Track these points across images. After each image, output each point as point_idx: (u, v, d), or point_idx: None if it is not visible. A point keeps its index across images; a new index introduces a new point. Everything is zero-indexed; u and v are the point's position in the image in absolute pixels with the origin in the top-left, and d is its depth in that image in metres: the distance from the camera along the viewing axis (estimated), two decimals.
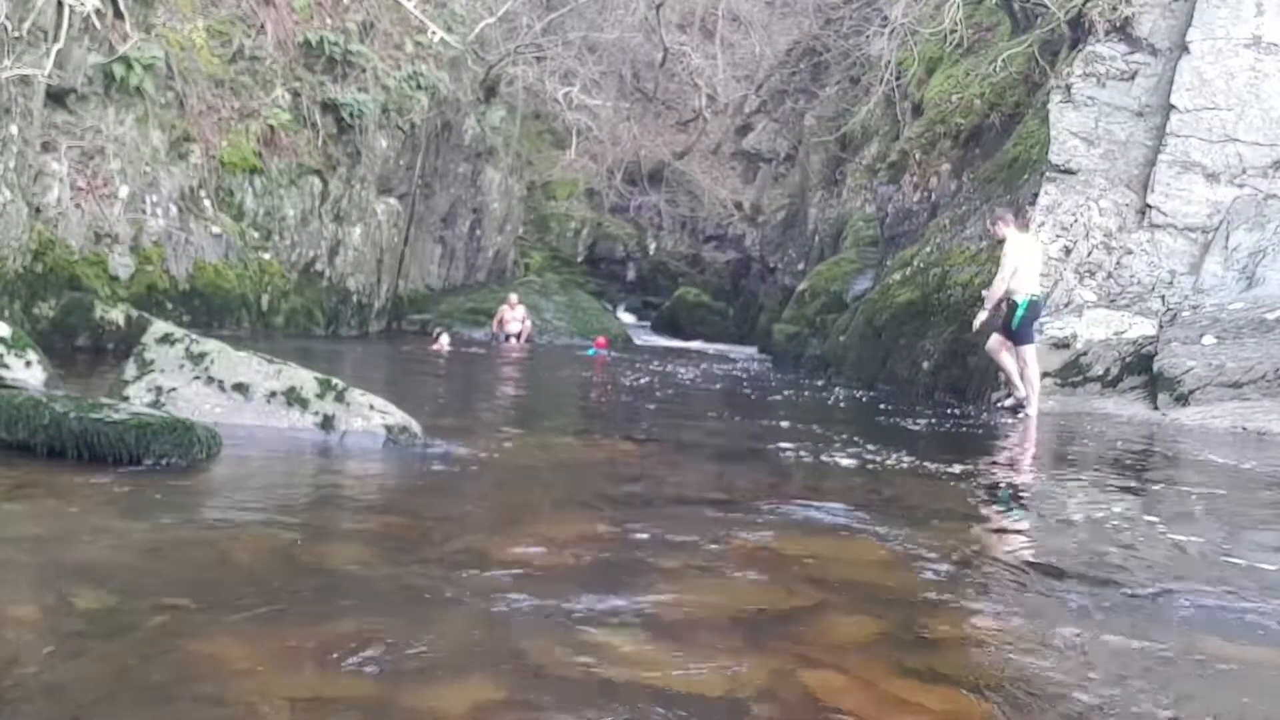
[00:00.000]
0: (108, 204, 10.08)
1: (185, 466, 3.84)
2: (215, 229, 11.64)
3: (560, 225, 24.99)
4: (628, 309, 23.39)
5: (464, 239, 18.98)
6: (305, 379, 4.71)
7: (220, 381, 4.62)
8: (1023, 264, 8.14)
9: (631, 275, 25.70)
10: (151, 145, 10.73)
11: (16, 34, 8.58)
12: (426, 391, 7.99)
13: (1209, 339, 8.39)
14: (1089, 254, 9.47)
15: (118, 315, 8.83)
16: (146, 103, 10.63)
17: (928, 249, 11.55)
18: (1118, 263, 9.42)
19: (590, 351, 14.67)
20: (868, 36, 16.45)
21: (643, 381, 10.34)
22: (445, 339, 13.07)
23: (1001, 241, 8.41)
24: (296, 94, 13.06)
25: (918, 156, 13.98)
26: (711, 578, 2.85)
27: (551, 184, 25.01)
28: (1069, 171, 9.75)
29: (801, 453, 5.43)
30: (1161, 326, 8.77)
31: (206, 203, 11.65)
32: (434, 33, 14.63)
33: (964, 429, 7.43)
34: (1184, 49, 9.65)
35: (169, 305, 10.53)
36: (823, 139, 18.49)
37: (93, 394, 4.55)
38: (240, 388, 4.62)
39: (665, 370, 12.01)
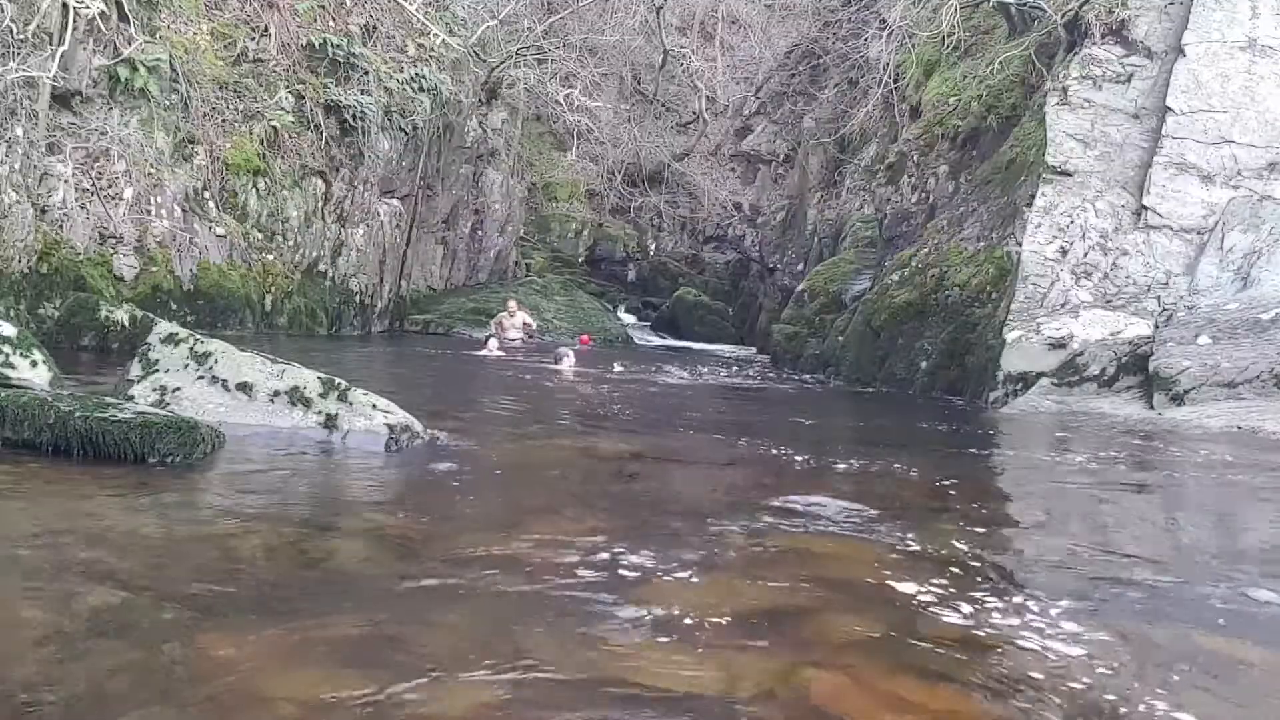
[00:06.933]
0: (112, 205, 10.15)
1: (189, 465, 3.88)
2: (219, 230, 11.71)
3: (561, 226, 25.06)
4: (628, 309, 23.44)
5: (466, 240, 19.04)
6: (308, 379, 4.75)
7: (224, 381, 4.67)
8: None
9: (632, 276, 25.76)
10: (156, 147, 10.80)
11: (22, 36, 8.64)
12: (428, 391, 8.04)
13: (1204, 339, 8.43)
14: (1085, 255, 9.53)
15: (122, 315, 8.89)
16: (151, 105, 10.69)
17: (925, 250, 11.62)
18: (1114, 264, 9.47)
19: (576, 346, 14.97)
20: (866, 39, 16.48)
21: (641, 382, 10.38)
22: (494, 343, 13.37)
23: None
24: (300, 96, 13.13)
25: (915, 158, 14.04)
26: (711, 577, 2.87)
27: (552, 185, 25.08)
28: (1065, 173, 9.80)
29: (800, 452, 5.47)
30: (1157, 327, 8.82)
31: (210, 204, 11.72)
32: (436, 35, 14.69)
33: (962, 429, 7.48)
34: (1180, 51, 9.70)
35: (173, 306, 10.60)
36: (821, 141, 18.53)
37: (98, 393, 4.60)
38: (244, 387, 4.67)
39: (664, 371, 12.06)
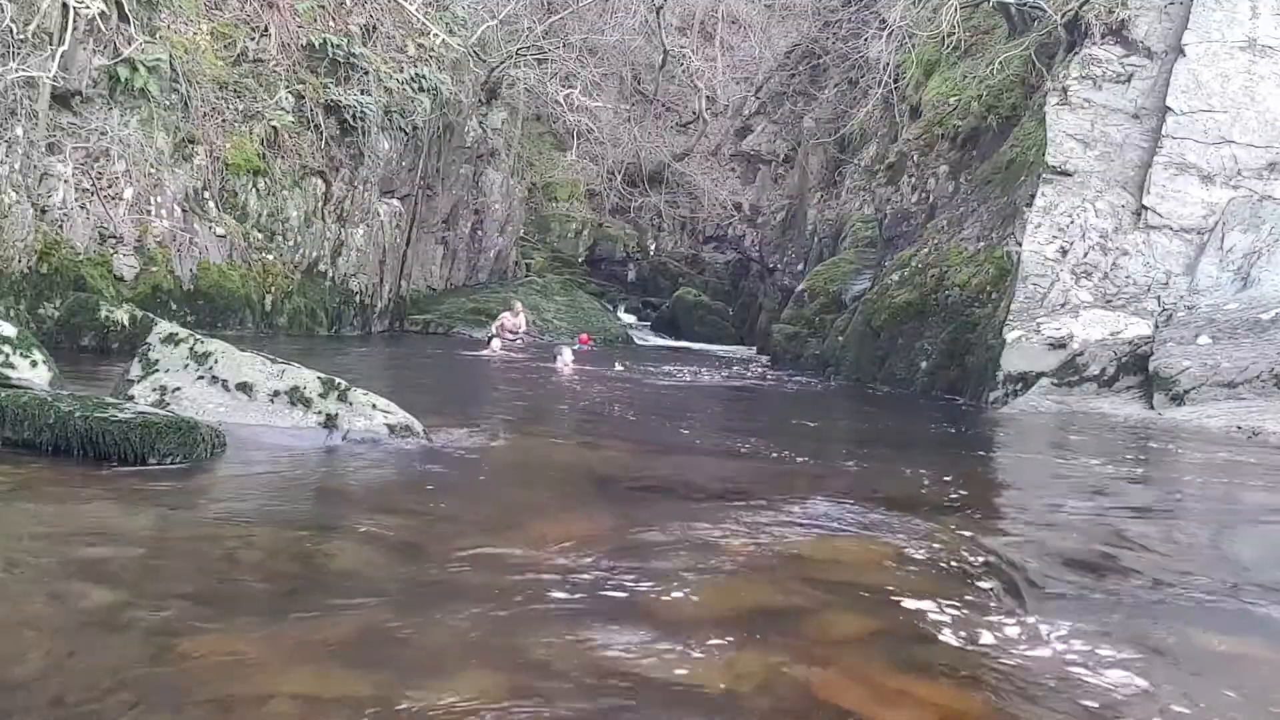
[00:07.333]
0: (112, 205, 10.15)
1: (189, 465, 3.88)
2: (219, 230, 11.71)
3: (561, 226, 25.06)
4: (628, 309, 23.45)
5: (465, 240, 19.05)
6: (308, 379, 4.76)
7: (224, 381, 4.67)
8: None
9: (632, 276, 25.77)
10: (156, 147, 10.80)
11: (22, 36, 8.64)
12: (428, 391, 8.05)
13: (1204, 339, 8.44)
14: (1085, 255, 9.53)
15: (122, 315, 8.88)
16: (151, 105, 10.69)
17: (925, 250, 11.62)
18: (1114, 263, 9.48)
19: (576, 346, 15.10)
20: (866, 39, 16.49)
21: (641, 382, 10.39)
22: (496, 343, 13.77)
23: None
24: (300, 96, 13.13)
25: (915, 158, 14.05)
26: (711, 576, 2.88)
27: (552, 185, 25.08)
28: (1065, 173, 9.81)
29: (800, 452, 5.48)
30: (1157, 327, 8.82)
31: (210, 204, 11.72)
32: (436, 35, 14.69)
33: (962, 429, 7.48)
34: (1180, 51, 9.70)
35: (173, 306, 10.60)
36: (821, 141, 18.54)
37: (98, 393, 4.60)
38: (244, 387, 4.67)
39: (664, 370, 12.07)
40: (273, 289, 12.56)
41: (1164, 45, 9.91)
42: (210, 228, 11.56)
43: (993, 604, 2.76)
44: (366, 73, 13.78)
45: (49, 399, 4.06)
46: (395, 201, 15.37)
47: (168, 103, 11.03)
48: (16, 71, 8.53)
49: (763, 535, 3.38)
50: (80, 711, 1.79)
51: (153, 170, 10.67)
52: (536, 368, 11.40)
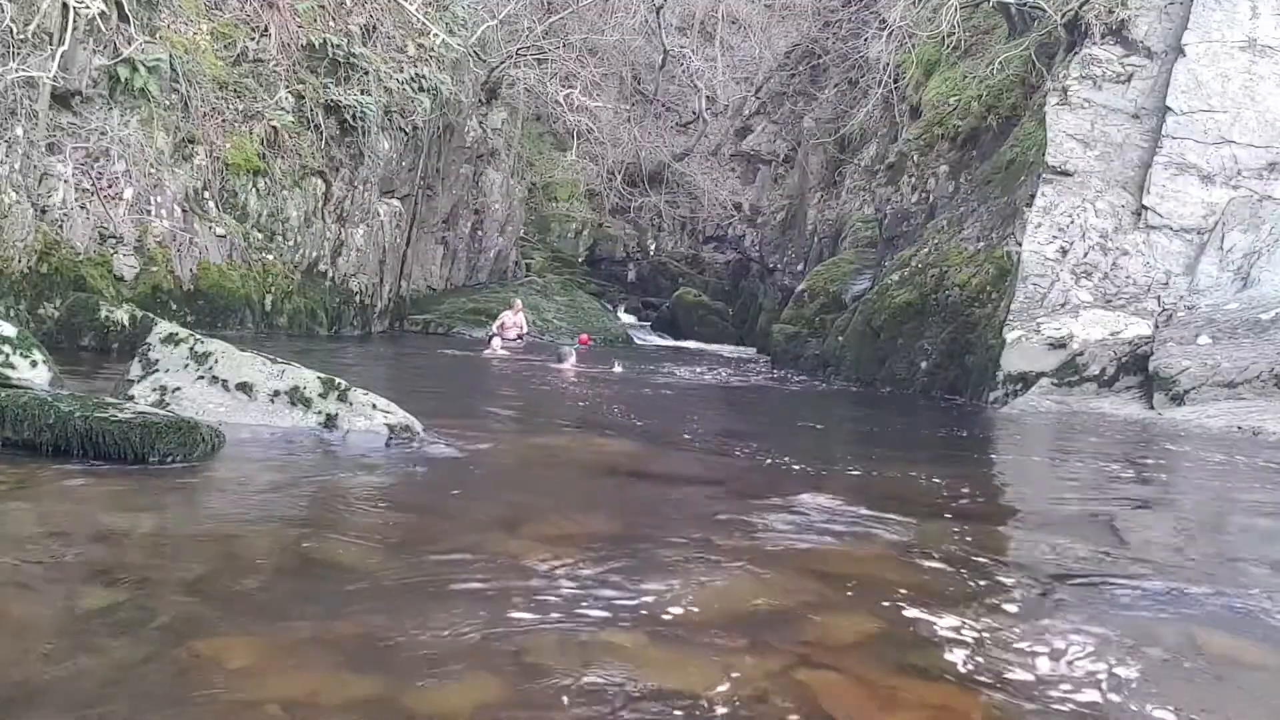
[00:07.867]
0: (112, 205, 10.15)
1: (189, 465, 3.87)
2: (219, 230, 11.71)
3: (561, 226, 25.09)
4: (628, 309, 23.47)
5: (465, 240, 19.07)
6: (308, 379, 4.75)
7: (224, 381, 4.67)
8: None
9: (632, 276, 25.80)
10: (156, 147, 10.80)
11: (22, 36, 8.64)
12: (428, 391, 8.04)
13: (1204, 339, 8.44)
14: (1085, 255, 9.53)
15: (122, 315, 8.87)
16: (151, 105, 10.69)
17: (925, 250, 11.62)
18: (1114, 263, 9.48)
19: (576, 346, 15.19)
20: (866, 39, 16.50)
21: (641, 382, 10.39)
22: (497, 342, 13.99)
23: None
24: (300, 96, 13.13)
25: (915, 158, 14.05)
26: (710, 577, 2.87)
27: (552, 185, 25.10)
28: (1065, 173, 9.81)
29: (800, 453, 5.47)
30: (1157, 327, 8.82)
31: (210, 204, 11.72)
32: (436, 35, 14.70)
33: (962, 429, 7.48)
34: (1180, 51, 9.71)
35: (173, 306, 10.60)
36: (821, 140, 18.54)
37: (98, 393, 4.60)
38: (244, 387, 4.67)
39: (664, 371, 12.08)
40: (273, 289, 12.56)
41: (1164, 45, 9.91)
42: (210, 228, 11.56)
43: (995, 606, 2.75)
44: (366, 73, 13.78)
45: (49, 399, 4.05)
46: (395, 201, 15.38)
47: (168, 103, 11.03)
48: (16, 71, 8.52)
49: (763, 537, 3.38)
50: (80, 712, 1.79)
51: (153, 170, 10.67)
52: (536, 368, 11.40)
